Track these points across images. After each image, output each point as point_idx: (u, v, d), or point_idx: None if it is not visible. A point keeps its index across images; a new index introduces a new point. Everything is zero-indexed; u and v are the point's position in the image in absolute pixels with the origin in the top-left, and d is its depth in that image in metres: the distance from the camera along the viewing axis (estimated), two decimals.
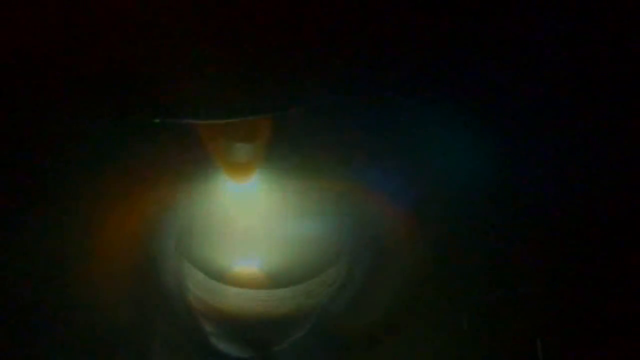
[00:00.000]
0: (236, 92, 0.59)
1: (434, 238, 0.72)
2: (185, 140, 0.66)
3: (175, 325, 0.77)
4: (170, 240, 0.77)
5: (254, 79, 0.58)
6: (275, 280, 0.78)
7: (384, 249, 0.76)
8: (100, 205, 0.68)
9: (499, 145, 0.70)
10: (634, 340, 0.67)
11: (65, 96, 0.57)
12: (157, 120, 0.59)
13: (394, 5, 0.58)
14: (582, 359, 0.69)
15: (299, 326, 0.80)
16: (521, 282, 0.70)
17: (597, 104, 0.68)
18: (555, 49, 0.67)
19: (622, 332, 0.68)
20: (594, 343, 0.68)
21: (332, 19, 0.56)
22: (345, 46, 0.58)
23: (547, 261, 0.70)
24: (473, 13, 0.63)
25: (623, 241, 0.69)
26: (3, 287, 0.67)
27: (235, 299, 0.78)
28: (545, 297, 0.69)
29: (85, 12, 0.51)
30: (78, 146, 0.64)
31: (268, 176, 0.75)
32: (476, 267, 0.72)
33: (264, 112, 0.63)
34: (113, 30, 0.52)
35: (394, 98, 0.69)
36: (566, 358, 0.70)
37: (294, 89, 0.61)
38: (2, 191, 0.65)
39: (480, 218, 0.72)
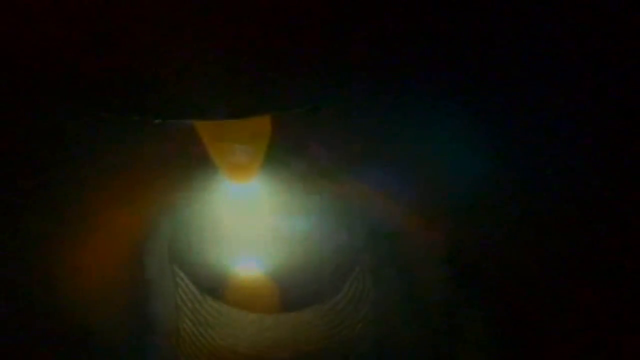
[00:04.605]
0: (237, 92, 0.58)
1: (445, 238, 0.71)
2: (185, 140, 0.66)
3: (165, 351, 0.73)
4: (165, 248, 0.76)
5: (254, 78, 0.58)
6: (281, 301, 0.74)
7: (397, 252, 0.74)
8: (97, 206, 0.67)
9: (505, 144, 0.70)
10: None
11: (62, 95, 0.56)
12: (157, 121, 0.59)
13: (395, 5, 0.57)
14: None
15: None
16: (531, 283, 0.70)
17: (603, 102, 0.68)
18: (561, 48, 0.67)
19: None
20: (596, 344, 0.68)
21: (333, 19, 0.56)
22: (346, 46, 0.58)
23: (559, 262, 0.70)
24: (475, 12, 0.63)
25: (631, 242, 0.68)
26: None
27: (236, 323, 0.74)
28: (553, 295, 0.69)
29: (84, 10, 0.51)
30: (75, 146, 0.64)
31: (270, 177, 0.74)
32: (485, 267, 0.71)
33: (264, 112, 0.62)
34: (112, 29, 0.52)
35: (396, 97, 0.68)
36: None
37: (294, 89, 0.60)
38: None
39: (486, 217, 0.71)
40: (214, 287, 0.75)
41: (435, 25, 0.60)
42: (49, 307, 0.67)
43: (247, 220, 0.76)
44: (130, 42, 0.53)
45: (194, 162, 0.70)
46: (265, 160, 0.71)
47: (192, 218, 0.76)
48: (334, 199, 0.74)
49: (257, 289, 0.75)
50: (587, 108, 0.69)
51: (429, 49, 0.63)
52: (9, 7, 0.50)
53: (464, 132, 0.70)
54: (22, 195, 0.66)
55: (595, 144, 0.69)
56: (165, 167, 0.69)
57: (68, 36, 0.52)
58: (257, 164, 0.71)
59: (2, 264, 0.66)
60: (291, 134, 0.69)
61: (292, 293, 0.73)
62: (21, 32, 0.51)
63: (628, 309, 0.67)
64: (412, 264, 0.73)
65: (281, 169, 0.73)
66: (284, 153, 0.71)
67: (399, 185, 0.72)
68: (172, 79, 0.57)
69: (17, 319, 0.66)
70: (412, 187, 0.72)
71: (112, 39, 0.53)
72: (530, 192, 0.71)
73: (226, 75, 0.57)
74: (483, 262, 0.71)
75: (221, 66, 0.56)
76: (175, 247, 0.75)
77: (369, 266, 0.74)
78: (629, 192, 0.69)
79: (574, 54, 0.67)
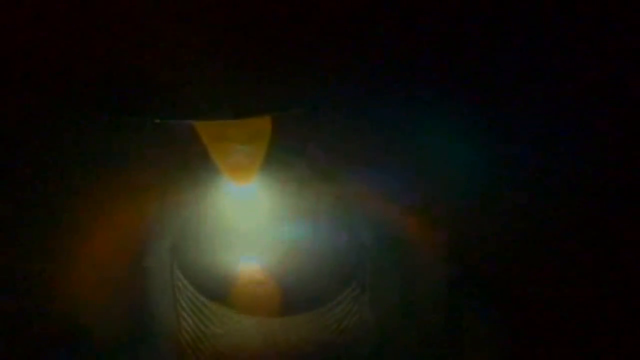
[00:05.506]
0: (237, 92, 0.59)
1: (445, 239, 0.71)
2: (186, 141, 0.65)
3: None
4: (166, 249, 0.75)
5: (254, 79, 0.58)
6: (281, 303, 0.73)
7: (397, 254, 0.73)
8: (98, 207, 0.67)
9: (506, 146, 0.70)
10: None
11: (65, 96, 0.56)
12: (157, 121, 0.59)
13: (396, 8, 0.57)
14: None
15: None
16: (531, 283, 0.70)
17: (603, 103, 0.68)
18: (559, 50, 0.67)
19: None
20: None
21: (333, 21, 0.55)
22: (346, 47, 0.58)
23: (558, 263, 0.69)
24: (475, 13, 0.63)
25: (631, 242, 0.68)
26: None
27: (236, 324, 0.73)
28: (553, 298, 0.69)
29: (87, 13, 0.51)
30: (76, 147, 0.64)
31: (270, 179, 0.74)
32: (483, 268, 0.71)
33: (265, 112, 0.62)
34: (114, 32, 0.52)
35: (396, 98, 0.68)
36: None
37: (294, 89, 0.60)
38: None
39: (486, 218, 0.71)
40: (214, 288, 0.75)
41: (435, 27, 0.60)
42: (50, 307, 0.67)
43: (248, 222, 0.76)
44: (131, 43, 0.53)
45: (195, 163, 0.70)
46: (266, 161, 0.70)
47: (193, 219, 0.76)
48: (334, 201, 0.74)
49: (258, 291, 0.75)
50: (587, 110, 0.69)
51: (430, 50, 0.63)
52: (9, 8, 0.50)
53: (465, 133, 0.70)
54: (23, 196, 0.65)
55: (595, 144, 0.69)
56: (166, 168, 0.69)
57: (68, 36, 0.52)
58: (257, 165, 0.71)
59: (4, 264, 0.66)
60: (291, 135, 0.69)
61: (292, 295, 0.73)
62: (21, 32, 0.51)
63: (628, 308, 0.67)
64: (413, 265, 0.73)
65: (281, 170, 0.73)
66: (284, 154, 0.71)
67: (399, 187, 0.72)
68: (173, 80, 0.57)
69: (18, 319, 0.66)
70: (412, 189, 0.72)
71: (112, 39, 0.52)
72: (531, 193, 0.71)
73: (227, 76, 0.57)
74: (483, 263, 0.71)
75: (222, 67, 0.57)
76: (176, 249, 0.75)
77: (370, 267, 0.74)
78: (629, 191, 0.69)
79: (574, 55, 0.67)
